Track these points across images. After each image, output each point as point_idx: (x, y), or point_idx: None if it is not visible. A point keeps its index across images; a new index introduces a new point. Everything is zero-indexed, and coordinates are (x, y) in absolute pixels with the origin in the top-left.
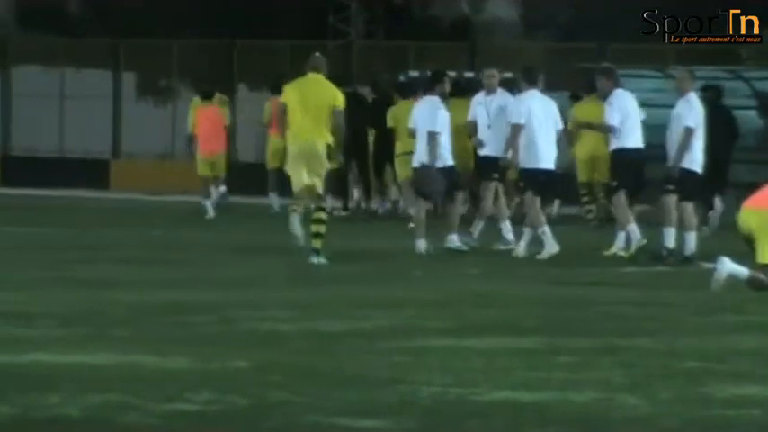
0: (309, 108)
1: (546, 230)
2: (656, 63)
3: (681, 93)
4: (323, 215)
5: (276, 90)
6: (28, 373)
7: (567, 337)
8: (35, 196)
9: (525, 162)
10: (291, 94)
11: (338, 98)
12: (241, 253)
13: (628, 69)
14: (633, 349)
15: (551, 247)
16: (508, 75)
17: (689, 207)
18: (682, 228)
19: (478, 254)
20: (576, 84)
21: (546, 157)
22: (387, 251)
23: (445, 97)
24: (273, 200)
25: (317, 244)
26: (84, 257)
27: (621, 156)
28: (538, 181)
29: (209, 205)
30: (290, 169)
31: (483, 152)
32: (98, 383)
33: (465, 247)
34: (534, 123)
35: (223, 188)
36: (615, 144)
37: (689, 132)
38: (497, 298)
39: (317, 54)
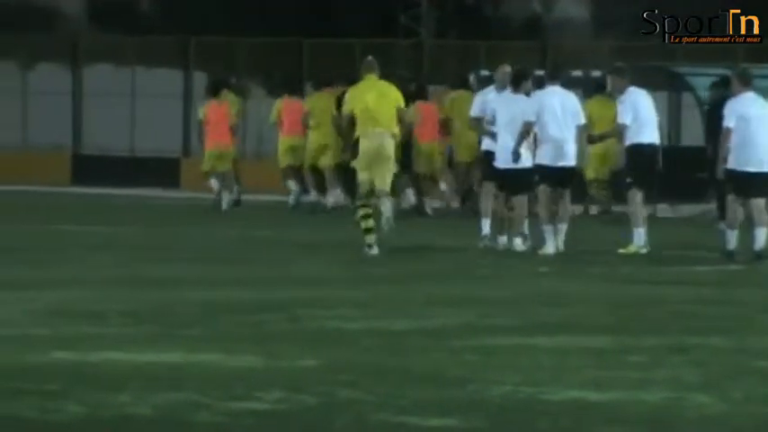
0: (377, 109)
1: (549, 229)
2: (725, 61)
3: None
4: (369, 211)
5: (290, 90)
6: (98, 372)
7: (637, 335)
8: (106, 195)
9: (540, 158)
10: (358, 97)
11: (400, 97)
12: (308, 250)
13: (697, 67)
14: (705, 348)
15: (550, 247)
16: (577, 73)
17: (760, 203)
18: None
19: None
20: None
21: (562, 154)
22: (453, 248)
23: (529, 95)
24: (294, 190)
25: (370, 239)
26: (156, 256)
27: (636, 151)
28: (551, 177)
29: (223, 199)
30: (358, 169)
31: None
32: (168, 382)
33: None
34: (547, 119)
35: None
36: (629, 140)
37: (726, 133)
38: (567, 296)
39: (370, 57)
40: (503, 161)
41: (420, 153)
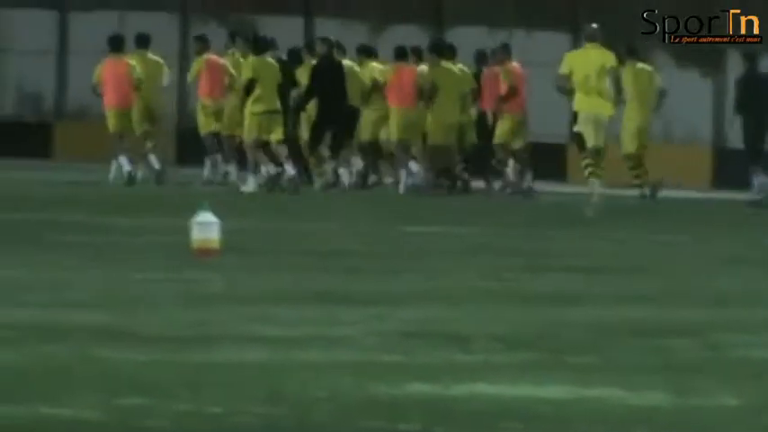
0: (594, 75)
1: None
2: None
3: None
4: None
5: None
6: (463, 408)
7: None
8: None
9: None
10: (577, 61)
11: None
12: (726, 260)
13: None
14: None
15: None
16: None
17: None
18: None
19: None
20: None
21: None
22: None
23: None
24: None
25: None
26: (533, 265)
27: None
28: None
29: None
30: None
31: None
32: (552, 422)
33: None
34: None
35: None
36: None
37: None
38: None
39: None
40: None
41: None
